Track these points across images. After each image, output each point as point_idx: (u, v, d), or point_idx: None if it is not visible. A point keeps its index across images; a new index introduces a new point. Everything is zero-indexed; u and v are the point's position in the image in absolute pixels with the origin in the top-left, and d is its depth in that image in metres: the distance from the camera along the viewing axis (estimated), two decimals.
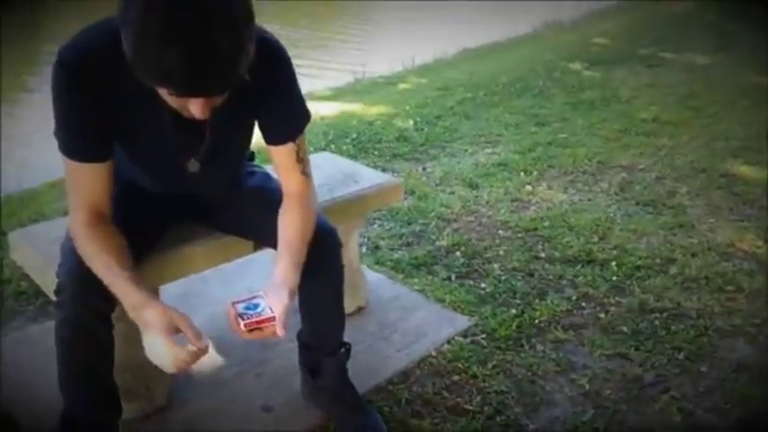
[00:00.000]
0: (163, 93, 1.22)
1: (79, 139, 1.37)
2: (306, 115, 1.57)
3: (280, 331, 1.36)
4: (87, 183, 1.41)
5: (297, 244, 1.51)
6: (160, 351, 1.33)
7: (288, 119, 1.54)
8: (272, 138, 1.54)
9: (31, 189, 4.15)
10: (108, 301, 1.42)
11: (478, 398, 1.96)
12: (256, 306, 1.38)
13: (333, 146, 4.02)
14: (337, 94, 6.21)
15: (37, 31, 9.92)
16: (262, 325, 1.36)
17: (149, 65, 1.14)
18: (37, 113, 6.57)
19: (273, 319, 1.36)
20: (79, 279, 1.39)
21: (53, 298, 1.52)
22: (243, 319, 1.35)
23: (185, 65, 1.11)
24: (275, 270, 1.47)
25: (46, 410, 1.76)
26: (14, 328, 2.29)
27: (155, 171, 1.57)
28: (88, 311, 1.42)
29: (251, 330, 1.36)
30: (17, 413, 1.84)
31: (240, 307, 1.38)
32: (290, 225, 1.53)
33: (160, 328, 1.32)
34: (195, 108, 1.23)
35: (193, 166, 1.53)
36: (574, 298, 2.46)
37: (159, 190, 1.62)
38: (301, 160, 1.56)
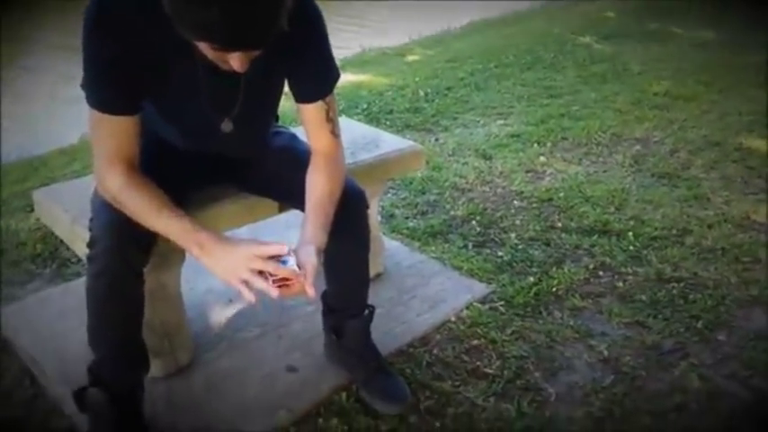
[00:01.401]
0: (202, 46, 1.20)
1: (109, 89, 1.35)
2: (336, 73, 1.56)
3: (309, 290, 1.34)
4: (116, 136, 1.38)
5: (325, 204, 1.50)
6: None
7: (319, 76, 1.53)
8: (302, 95, 1.53)
9: (40, 156, 4.15)
10: (142, 253, 1.42)
11: (498, 362, 1.97)
12: (284, 263, 1.36)
13: (344, 116, 3.99)
14: (345, 65, 6.16)
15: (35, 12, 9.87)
16: (289, 282, 1.34)
17: (189, 19, 1.13)
18: (40, 83, 6.57)
19: (301, 276, 1.35)
20: (114, 231, 1.38)
21: (82, 254, 1.53)
22: (270, 275, 1.34)
23: (226, 20, 1.10)
24: (303, 229, 1.46)
25: (70, 367, 1.78)
26: (33, 289, 2.30)
27: (188, 130, 1.56)
28: (122, 264, 1.41)
29: (279, 287, 1.34)
30: (41, 370, 1.86)
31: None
32: (319, 184, 1.53)
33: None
34: (235, 61, 1.22)
35: (227, 126, 1.52)
36: (591, 267, 2.46)
37: (191, 147, 1.61)
38: (331, 120, 1.55)
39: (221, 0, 1.08)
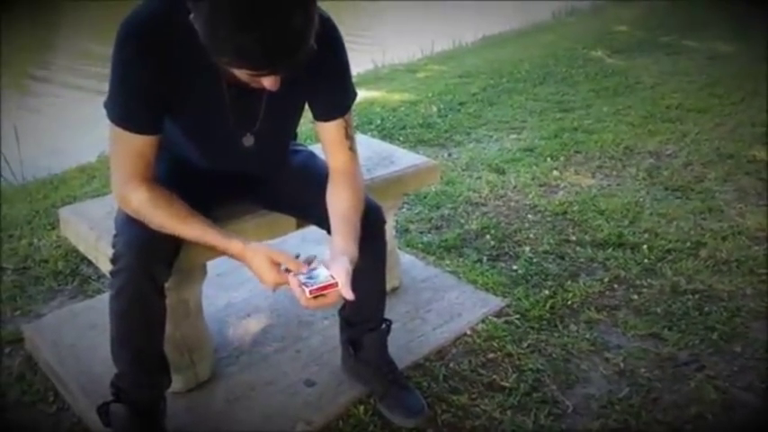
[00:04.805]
0: (237, 71, 1.25)
1: (136, 107, 1.40)
2: (354, 92, 1.61)
3: (348, 294, 1.38)
4: (136, 154, 1.43)
5: (351, 216, 1.54)
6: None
7: (339, 94, 1.58)
8: (322, 113, 1.58)
9: (59, 174, 4.21)
10: (165, 269, 1.46)
11: (514, 375, 1.99)
12: (317, 275, 1.40)
13: (358, 132, 4.03)
14: (358, 82, 6.18)
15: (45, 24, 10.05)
16: (325, 291, 1.37)
17: (225, 48, 1.17)
18: (55, 104, 6.67)
19: (335, 285, 1.38)
20: (137, 248, 1.42)
21: (106, 270, 1.57)
22: (307, 287, 1.37)
23: (262, 47, 1.15)
24: (333, 243, 1.50)
25: (93, 382, 1.82)
26: (55, 306, 2.34)
27: (209, 146, 1.60)
28: (145, 279, 1.45)
29: (315, 297, 1.37)
30: (64, 385, 1.89)
31: (302, 276, 1.40)
32: (344, 200, 1.56)
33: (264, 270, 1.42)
34: (268, 81, 1.26)
35: (248, 140, 1.56)
36: (606, 280, 2.47)
37: (211, 166, 1.65)
38: (349, 137, 1.59)
39: (256, 29, 1.13)
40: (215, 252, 1.51)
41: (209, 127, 1.53)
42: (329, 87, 1.55)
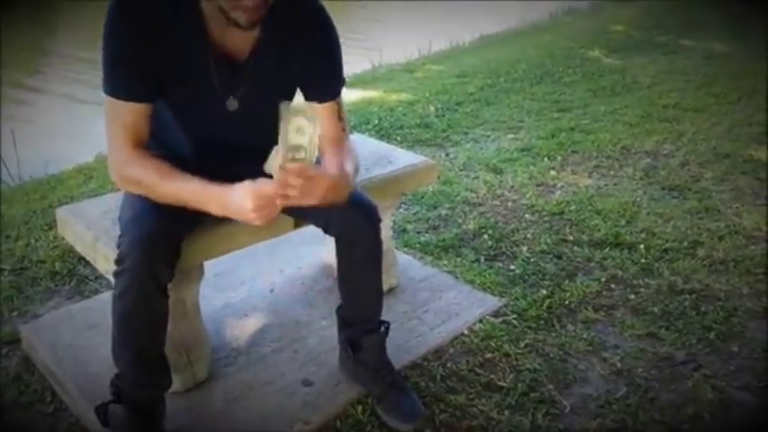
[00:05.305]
0: None
1: (124, 77, 1.42)
2: (344, 78, 1.64)
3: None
4: (131, 122, 1.44)
5: (348, 163, 1.56)
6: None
7: (332, 76, 1.61)
8: (315, 94, 1.59)
9: (57, 174, 4.20)
10: (169, 268, 1.45)
11: (512, 375, 1.99)
12: None
13: (355, 132, 4.04)
14: (355, 81, 6.22)
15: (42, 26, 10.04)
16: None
17: None
18: (52, 103, 6.66)
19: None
20: (142, 247, 1.42)
21: (104, 270, 1.57)
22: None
23: None
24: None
25: (91, 383, 1.82)
26: (52, 306, 2.34)
27: (194, 111, 1.58)
28: (150, 279, 1.45)
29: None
30: (62, 386, 1.89)
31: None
32: (335, 162, 1.56)
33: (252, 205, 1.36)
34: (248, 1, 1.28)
35: (232, 104, 1.55)
36: (603, 280, 2.48)
37: (194, 133, 1.62)
38: (342, 119, 1.62)
39: None
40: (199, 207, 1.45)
41: (194, 92, 1.52)
42: (321, 69, 1.58)
